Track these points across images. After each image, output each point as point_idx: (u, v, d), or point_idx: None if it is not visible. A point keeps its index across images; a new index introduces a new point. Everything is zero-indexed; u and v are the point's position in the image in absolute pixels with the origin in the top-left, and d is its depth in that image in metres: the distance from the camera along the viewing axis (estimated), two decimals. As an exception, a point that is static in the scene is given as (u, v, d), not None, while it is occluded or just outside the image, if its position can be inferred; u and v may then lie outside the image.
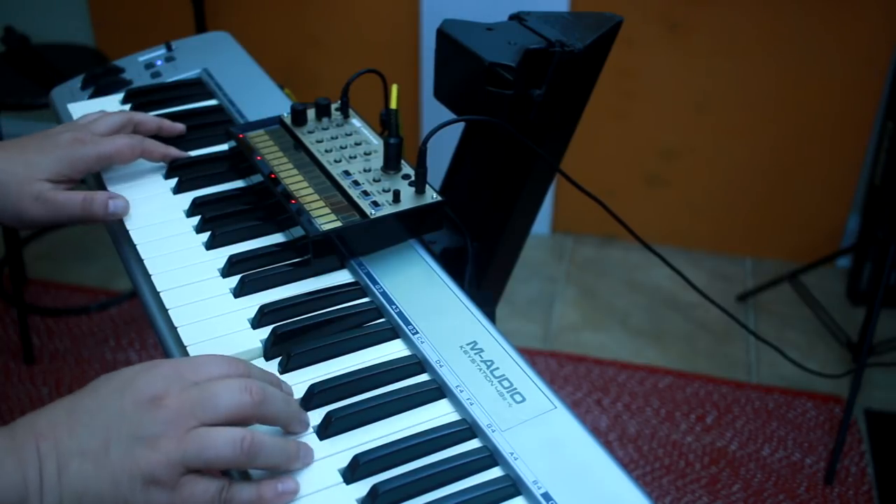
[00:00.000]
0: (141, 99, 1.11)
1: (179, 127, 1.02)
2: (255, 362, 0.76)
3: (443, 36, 0.94)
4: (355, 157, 0.93)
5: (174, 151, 0.98)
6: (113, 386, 0.64)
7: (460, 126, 1.00)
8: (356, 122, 0.99)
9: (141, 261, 0.86)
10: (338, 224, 0.84)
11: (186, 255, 0.87)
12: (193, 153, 1.01)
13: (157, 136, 1.00)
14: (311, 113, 0.99)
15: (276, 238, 0.89)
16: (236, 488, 0.63)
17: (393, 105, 0.94)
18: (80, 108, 1.10)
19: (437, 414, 0.72)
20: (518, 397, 0.71)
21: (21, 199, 0.87)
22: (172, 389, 0.64)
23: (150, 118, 1.00)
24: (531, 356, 2.19)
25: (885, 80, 2.26)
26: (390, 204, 0.86)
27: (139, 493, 0.61)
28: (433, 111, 2.43)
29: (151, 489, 0.61)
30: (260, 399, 0.65)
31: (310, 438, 0.69)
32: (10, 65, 2.05)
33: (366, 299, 0.83)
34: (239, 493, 0.63)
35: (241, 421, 0.65)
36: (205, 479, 0.63)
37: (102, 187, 0.95)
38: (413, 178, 0.88)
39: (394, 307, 0.80)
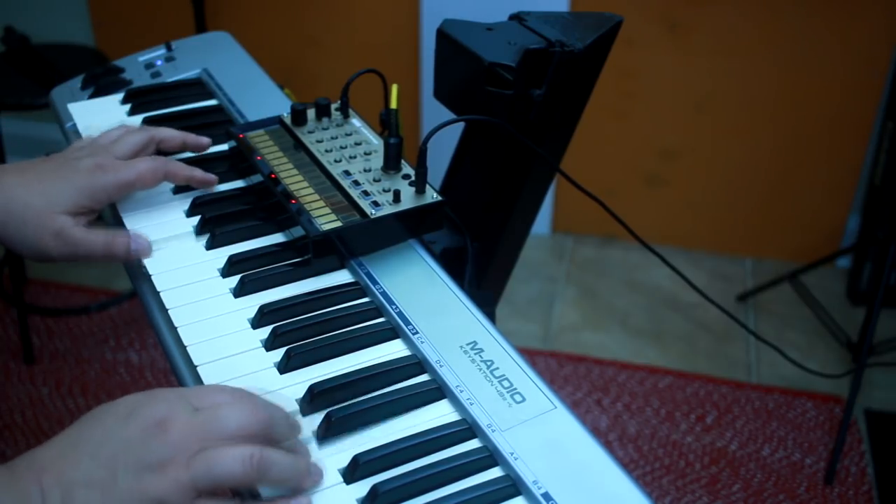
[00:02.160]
0: (141, 99, 1.11)
1: (205, 141, 0.97)
2: (255, 359, 0.76)
3: (443, 36, 0.94)
4: (355, 157, 0.93)
5: (199, 174, 0.93)
6: (116, 414, 0.63)
7: (460, 126, 1.00)
8: (356, 121, 0.99)
9: (140, 261, 0.86)
10: (338, 224, 0.84)
11: (186, 254, 0.87)
12: (193, 154, 1.01)
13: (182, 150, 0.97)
14: (311, 113, 0.99)
15: (276, 238, 0.89)
16: None
17: (393, 105, 0.95)
18: (80, 108, 1.10)
19: (437, 414, 0.72)
20: (518, 397, 0.71)
21: (41, 235, 0.83)
22: (177, 414, 0.62)
23: (174, 134, 0.95)
24: (531, 356, 2.19)
25: (885, 80, 2.26)
26: (390, 204, 0.86)
27: None
28: (433, 111, 2.43)
29: None
30: (267, 421, 0.64)
31: (309, 439, 0.69)
32: (10, 65, 2.05)
33: (366, 299, 0.83)
34: None
35: (246, 442, 0.64)
36: (218, 501, 0.62)
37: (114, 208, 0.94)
38: (413, 178, 0.88)
39: (394, 307, 0.80)
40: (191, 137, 0.97)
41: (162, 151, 0.95)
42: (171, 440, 0.61)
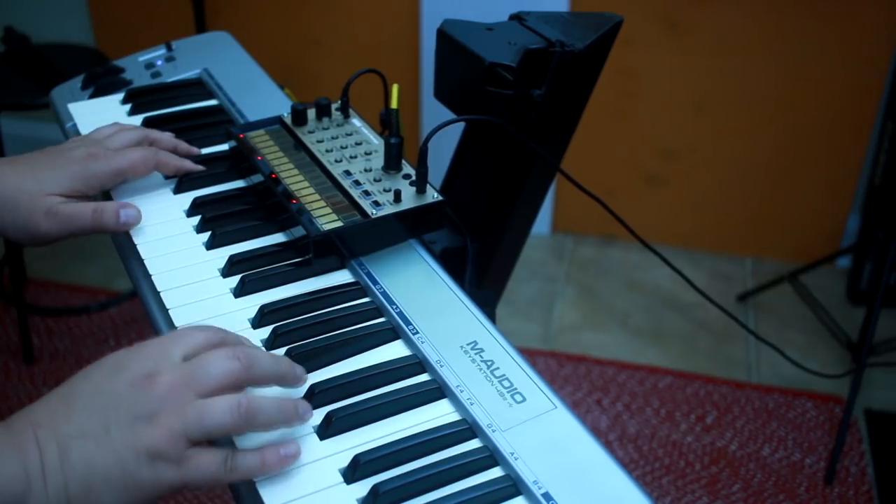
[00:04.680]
0: (141, 99, 1.11)
1: (195, 151, 1.00)
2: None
3: (443, 36, 0.94)
4: (356, 157, 0.93)
5: (189, 165, 0.96)
6: (104, 370, 0.65)
7: (460, 126, 1.00)
8: (356, 121, 0.99)
9: (141, 261, 0.86)
10: (339, 224, 0.84)
11: (186, 255, 0.87)
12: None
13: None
14: (311, 113, 0.99)
15: (277, 238, 0.89)
16: (240, 455, 0.65)
17: (393, 105, 0.95)
18: (80, 108, 1.10)
19: (438, 414, 0.72)
20: (518, 397, 0.71)
21: (32, 215, 0.85)
22: (163, 366, 0.65)
23: (167, 138, 0.98)
24: (531, 356, 2.19)
25: (885, 80, 2.26)
26: (391, 204, 0.86)
27: (146, 469, 0.62)
28: (433, 111, 2.43)
29: (158, 464, 0.62)
30: (248, 363, 0.67)
31: (310, 438, 0.69)
32: (10, 65, 2.05)
33: (366, 299, 0.83)
34: (243, 459, 0.65)
35: (233, 387, 0.66)
36: (209, 450, 0.64)
37: (107, 194, 0.95)
38: (414, 178, 0.88)
39: (394, 307, 0.80)
40: (182, 145, 0.99)
41: None
42: (160, 392, 0.63)
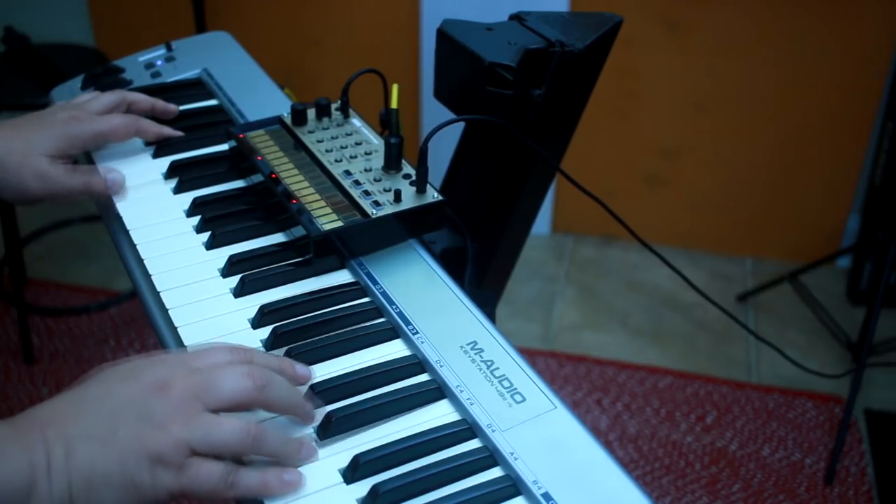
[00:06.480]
0: (141, 99, 1.10)
1: (172, 108, 1.04)
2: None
3: (443, 36, 0.94)
4: (356, 157, 0.93)
5: (168, 131, 1.00)
6: (118, 376, 0.65)
7: (460, 126, 1.00)
8: (356, 121, 0.99)
9: (141, 261, 0.86)
10: (339, 224, 0.84)
11: (186, 255, 0.87)
12: (193, 153, 1.01)
13: (151, 117, 1.02)
14: (311, 113, 0.99)
15: (277, 238, 0.89)
16: (241, 473, 0.64)
17: (393, 105, 0.94)
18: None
19: (438, 414, 0.72)
20: (518, 397, 0.71)
21: (21, 176, 0.89)
22: (177, 376, 0.65)
23: (144, 97, 1.02)
24: (531, 356, 2.19)
25: (885, 80, 2.26)
26: (391, 203, 0.86)
27: (146, 473, 0.62)
28: (433, 111, 2.43)
29: (158, 469, 0.62)
30: (262, 384, 0.66)
31: (309, 438, 0.69)
32: (10, 65, 2.05)
33: (366, 299, 0.83)
34: (244, 477, 0.64)
35: (244, 405, 0.66)
36: (210, 462, 0.64)
37: (90, 159, 0.98)
38: (414, 178, 0.88)
39: (394, 307, 0.80)
40: (159, 103, 1.03)
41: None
42: (172, 400, 0.63)
